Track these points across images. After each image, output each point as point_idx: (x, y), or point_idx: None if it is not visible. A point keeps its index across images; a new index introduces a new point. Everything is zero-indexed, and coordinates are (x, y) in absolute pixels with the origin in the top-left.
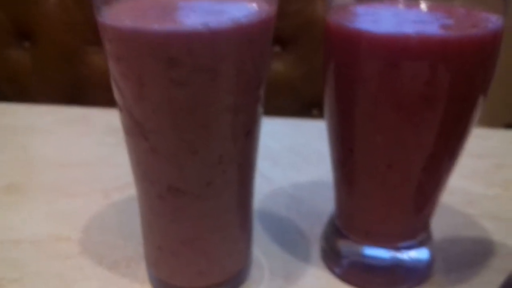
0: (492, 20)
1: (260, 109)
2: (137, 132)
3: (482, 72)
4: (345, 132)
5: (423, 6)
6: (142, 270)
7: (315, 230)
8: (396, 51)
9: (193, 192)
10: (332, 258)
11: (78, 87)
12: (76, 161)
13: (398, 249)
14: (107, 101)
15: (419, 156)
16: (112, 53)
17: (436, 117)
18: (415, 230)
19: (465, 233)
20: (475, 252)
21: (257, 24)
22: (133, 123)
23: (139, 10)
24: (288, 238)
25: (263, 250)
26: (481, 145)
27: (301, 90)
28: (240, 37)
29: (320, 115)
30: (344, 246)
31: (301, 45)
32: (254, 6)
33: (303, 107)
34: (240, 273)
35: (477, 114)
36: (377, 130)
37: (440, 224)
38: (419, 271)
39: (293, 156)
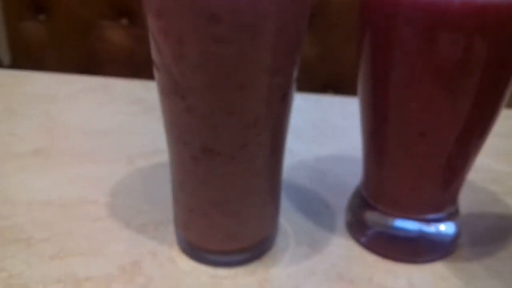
0: None
1: (296, 73)
2: (174, 92)
3: None
4: (379, 101)
5: None
6: (170, 233)
7: (340, 201)
8: (435, 16)
9: (227, 154)
10: (358, 228)
11: (93, 60)
12: (100, 129)
13: (425, 221)
14: (122, 74)
15: (452, 125)
16: (152, 9)
17: (472, 85)
18: (443, 203)
19: (490, 209)
20: (500, 228)
21: None
22: (170, 83)
23: None
24: (313, 208)
25: (288, 219)
26: (506, 125)
27: (316, 71)
28: None
29: (334, 95)
30: (371, 216)
31: (316, 25)
32: None
33: (318, 87)
34: (267, 239)
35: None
36: (412, 97)
37: (465, 200)
38: (444, 245)
39: (314, 130)
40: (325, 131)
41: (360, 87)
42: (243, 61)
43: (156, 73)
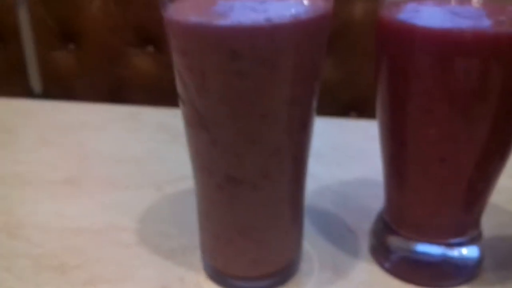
0: None
1: (315, 103)
2: (198, 124)
3: None
4: (397, 126)
5: (475, 2)
6: (197, 258)
7: (363, 225)
8: (450, 45)
9: (250, 182)
10: (382, 253)
11: (120, 88)
12: (129, 157)
13: (448, 245)
14: (149, 101)
15: (471, 150)
16: (178, 48)
17: (488, 112)
18: (466, 227)
19: None
20: None
21: (316, 19)
22: (195, 115)
23: (203, 5)
24: (336, 232)
25: (312, 243)
26: None
27: (338, 93)
28: (300, 32)
29: (357, 117)
30: (394, 241)
31: (339, 48)
32: (312, 2)
33: (341, 110)
34: (292, 264)
35: None
36: (429, 123)
37: (488, 223)
38: (468, 269)
39: (336, 154)
40: (347, 155)
41: (378, 112)
42: (263, 93)
43: (181, 106)
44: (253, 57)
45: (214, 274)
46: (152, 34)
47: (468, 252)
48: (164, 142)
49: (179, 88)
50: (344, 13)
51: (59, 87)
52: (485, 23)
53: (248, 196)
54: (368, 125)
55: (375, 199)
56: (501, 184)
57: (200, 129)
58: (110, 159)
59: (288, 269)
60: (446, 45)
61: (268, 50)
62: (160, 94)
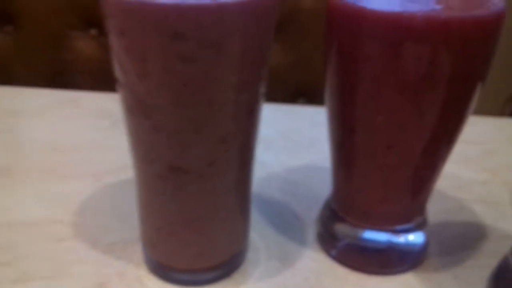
0: (495, 2)
1: (263, 89)
2: (139, 110)
3: (483, 54)
4: (346, 113)
5: None
6: (138, 252)
7: (310, 213)
8: (399, 30)
9: (195, 172)
10: (328, 241)
11: (62, 72)
12: (67, 145)
13: (394, 232)
14: (92, 86)
15: (418, 137)
16: (114, 28)
17: (437, 98)
18: (412, 213)
19: (457, 217)
20: (467, 236)
21: (264, 0)
22: (134, 101)
23: None
24: (284, 221)
25: (259, 232)
26: (471, 131)
27: (287, 79)
28: (248, 13)
29: (306, 103)
30: (341, 228)
31: (288, 33)
32: None
33: (290, 95)
34: (238, 255)
35: (476, 97)
36: (378, 110)
37: (432, 209)
38: (414, 255)
39: (285, 141)
40: (296, 142)
41: (327, 98)
42: (208, 78)
43: (120, 91)
44: (198, 39)
45: (156, 268)
46: (95, 17)
47: (414, 238)
48: (105, 129)
49: (117, 72)
50: None
51: None
52: (436, 7)
53: (192, 186)
54: (317, 111)
55: (324, 186)
56: (446, 170)
57: (141, 116)
58: (47, 147)
59: (234, 260)
60: (396, 29)
61: (214, 32)
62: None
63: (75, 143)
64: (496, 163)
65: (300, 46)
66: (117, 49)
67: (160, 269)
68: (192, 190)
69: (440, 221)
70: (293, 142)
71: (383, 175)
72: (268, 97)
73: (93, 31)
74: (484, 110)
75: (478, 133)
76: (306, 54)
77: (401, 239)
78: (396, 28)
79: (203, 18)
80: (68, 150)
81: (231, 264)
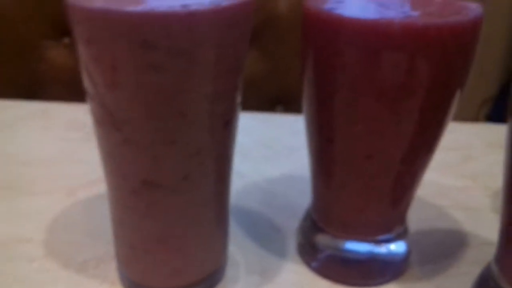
0: (472, 8)
1: (238, 99)
2: (109, 122)
3: (461, 60)
4: (324, 122)
5: None
6: (112, 271)
7: (290, 224)
8: (376, 37)
9: (169, 186)
10: (309, 252)
11: (35, 82)
12: (38, 158)
13: (376, 242)
14: (66, 96)
15: (398, 146)
16: (81, 36)
17: (416, 106)
18: (393, 223)
19: (438, 225)
20: (449, 244)
21: (238, 7)
22: (104, 113)
23: None
24: (263, 233)
25: (238, 246)
26: (448, 138)
27: (265, 87)
28: (220, 20)
29: (284, 111)
30: (321, 239)
31: (264, 41)
32: None
33: (268, 103)
34: (217, 271)
35: (455, 104)
36: (357, 119)
37: (413, 217)
38: (395, 265)
39: (263, 150)
40: (274, 151)
41: (304, 107)
42: (180, 88)
43: (89, 103)
44: (169, 48)
45: (131, 286)
46: (68, 26)
47: (396, 248)
48: (77, 141)
49: (86, 83)
50: (269, 6)
51: None
52: (413, 14)
53: (166, 201)
54: (295, 119)
55: (304, 196)
56: (426, 178)
57: (111, 128)
58: (16, 161)
59: (213, 277)
60: (373, 37)
61: (185, 40)
62: (78, 89)
63: (46, 156)
64: (475, 169)
65: (277, 53)
66: (85, 59)
67: None
68: (166, 206)
69: (421, 229)
70: (271, 151)
71: (362, 184)
72: (244, 106)
73: (66, 40)
74: (459, 115)
75: (455, 139)
76: (284, 61)
77: (382, 249)
78: (373, 35)
79: (173, 26)
80: (39, 164)
81: (209, 281)
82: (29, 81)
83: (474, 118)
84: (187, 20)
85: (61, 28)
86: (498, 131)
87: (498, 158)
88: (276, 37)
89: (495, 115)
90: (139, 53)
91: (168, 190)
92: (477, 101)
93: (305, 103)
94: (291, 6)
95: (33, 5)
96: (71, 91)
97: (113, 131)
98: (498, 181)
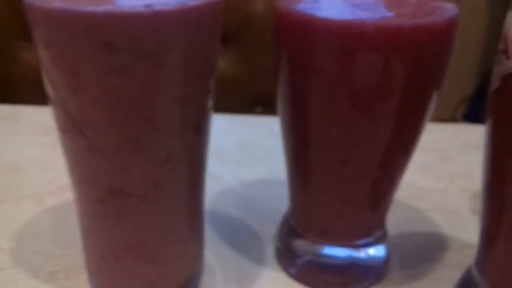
0: (447, 8)
1: (210, 102)
2: (73, 129)
3: (437, 61)
4: (300, 126)
5: None
6: (83, 280)
7: (268, 229)
8: (351, 38)
9: (138, 194)
10: (287, 258)
11: (6, 85)
12: (3, 164)
13: (355, 247)
14: (39, 99)
15: (375, 151)
16: (41, 38)
17: (392, 108)
18: (372, 227)
19: (417, 227)
20: (429, 247)
21: (205, 7)
22: (67, 119)
23: None
24: (240, 239)
25: (214, 253)
26: (426, 139)
27: (243, 88)
28: (187, 21)
29: (263, 112)
30: (300, 245)
31: (242, 42)
32: None
33: (246, 104)
34: (192, 280)
35: (432, 106)
36: (332, 123)
37: (392, 220)
38: (375, 269)
39: (241, 153)
40: (251, 154)
41: (280, 111)
42: (147, 93)
43: (52, 108)
44: (132, 50)
45: None
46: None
47: (375, 252)
48: (46, 146)
49: (47, 87)
50: (246, 8)
51: None
52: (387, 15)
53: (136, 210)
54: (274, 121)
55: (282, 201)
56: (404, 179)
57: (75, 135)
58: None
59: (189, 286)
60: (346, 38)
61: (150, 42)
62: None
63: (13, 163)
64: (453, 170)
65: (255, 55)
66: (45, 62)
67: None
68: (136, 214)
69: (400, 232)
70: (249, 154)
71: (340, 189)
72: (221, 108)
73: None
74: (436, 115)
75: (432, 140)
76: (262, 62)
77: (362, 254)
78: (347, 36)
79: (137, 27)
80: (5, 170)
81: None
82: (2, 84)
83: (451, 118)
84: (151, 21)
85: None
86: (475, 131)
87: (476, 159)
88: (253, 39)
89: (472, 115)
90: (102, 55)
91: (137, 198)
92: (454, 101)
93: (280, 106)
94: (268, 7)
95: (4, 6)
96: (44, 94)
97: (77, 137)
98: (476, 183)
